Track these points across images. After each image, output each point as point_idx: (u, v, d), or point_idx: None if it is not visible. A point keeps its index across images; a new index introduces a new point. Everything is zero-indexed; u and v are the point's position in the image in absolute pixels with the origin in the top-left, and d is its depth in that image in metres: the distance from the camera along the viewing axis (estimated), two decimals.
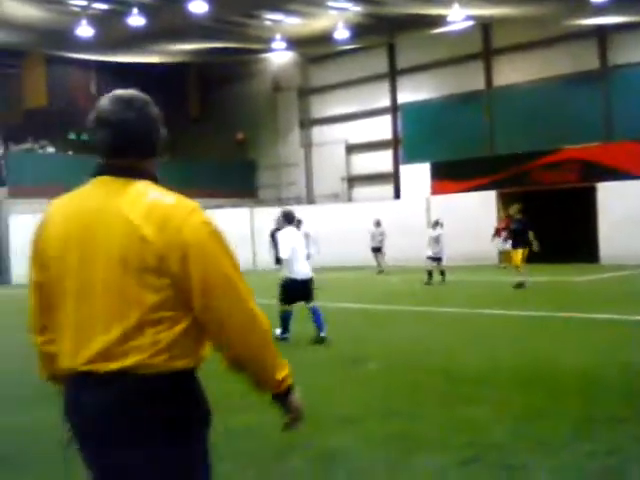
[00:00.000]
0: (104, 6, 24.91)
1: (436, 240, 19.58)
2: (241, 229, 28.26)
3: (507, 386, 7.22)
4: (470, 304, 14.48)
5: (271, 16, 26.75)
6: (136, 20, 23.62)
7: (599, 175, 24.68)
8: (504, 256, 23.74)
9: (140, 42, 26.41)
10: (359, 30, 26.92)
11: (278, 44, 29.05)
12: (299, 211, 11.69)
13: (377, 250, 24.85)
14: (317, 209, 29.90)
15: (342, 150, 33.36)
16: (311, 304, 10.43)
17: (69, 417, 2.33)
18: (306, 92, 34.57)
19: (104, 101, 2.36)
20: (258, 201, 34.54)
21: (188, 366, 2.26)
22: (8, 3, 21.93)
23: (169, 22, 24.46)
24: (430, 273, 19.26)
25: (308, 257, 11.82)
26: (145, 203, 2.23)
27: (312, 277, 10.65)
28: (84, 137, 31.65)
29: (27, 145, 31.78)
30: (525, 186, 26.15)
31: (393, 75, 31.88)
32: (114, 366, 2.18)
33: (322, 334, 10.26)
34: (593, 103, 26.31)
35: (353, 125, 32.86)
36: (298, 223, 11.58)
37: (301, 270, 10.42)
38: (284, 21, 26.98)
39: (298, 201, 32.46)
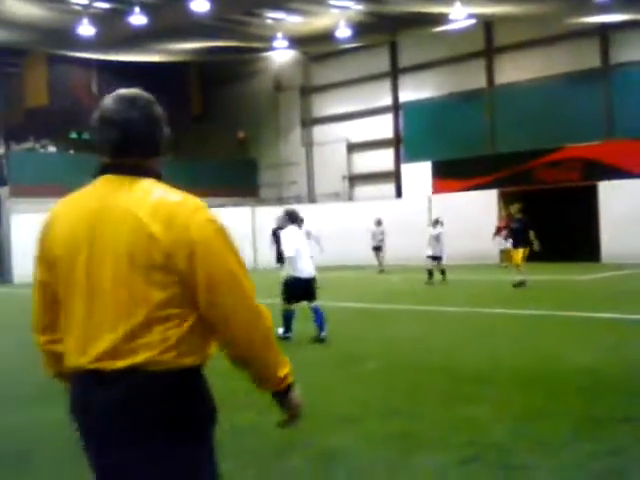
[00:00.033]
0: (106, 5, 24.91)
1: (436, 239, 19.56)
2: (242, 228, 28.25)
3: (508, 385, 7.22)
4: (471, 303, 14.48)
5: (273, 14, 26.74)
6: (138, 19, 23.61)
7: (601, 174, 24.67)
8: (505, 255, 23.73)
9: (142, 41, 26.41)
10: (361, 28, 26.90)
11: (280, 43, 29.04)
12: (300, 210, 11.68)
13: (377, 249, 24.86)
14: (318, 208, 29.89)
15: (343, 149, 33.35)
16: (313, 303, 10.43)
17: (75, 416, 2.33)
18: (308, 91, 34.56)
19: (108, 100, 2.37)
20: (259, 200, 34.55)
21: (195, 363, 2.26)
22: (10, 2, 21.94)
23: (171, 21, 24.47)
24: (430, 272, 19.25)
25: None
26: (151, 201, 2.24)
27: (315, 276, 10.65)
28: (85, 136, 31.69)
29: (28, 144, 31.82)
30: (526, 185, 26.15)
31: (395, 74, 31.86)
32: (121, 364, 2.18)
33: (322, 334, 10.25)
34: (595, 101, 26.28)
35: (354, 124, 32.85)
36: (300, 222, 11.58)
37: (305, 269, 10.41)
38: (286, 20, 26.97)
39: (299, 200, 32.45)
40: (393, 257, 25.26)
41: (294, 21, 26.98)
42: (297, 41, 29.03)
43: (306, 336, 10.39)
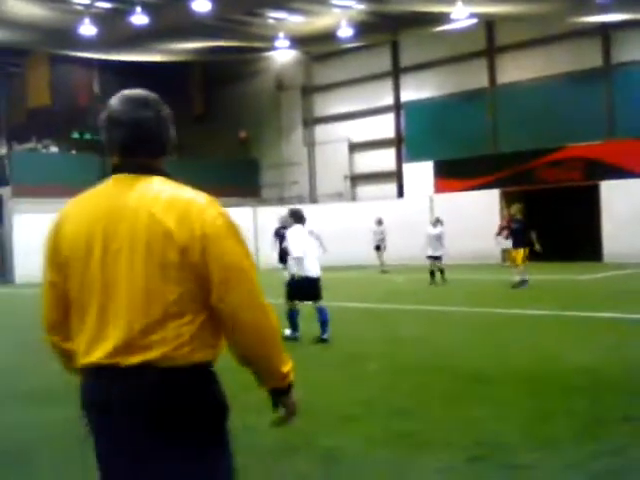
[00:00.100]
0: (107, 5, 24.94)
1: (437, 238, 19.50)
2: (244, 228, 28.23)
3: (510, 385, 7.21)
4: (473, 303, 14.48)
5: (274, 14, 26.75)
6: (139, 19, 23.61)
7: (602, 173, 24.67)
8: (507, 254, 23.73)
9: (143, 41, 26.42)
10: (362, 28, 26.90)
11: (281, 42, 29.04)
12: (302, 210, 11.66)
13: (378, 248, 24.87)
14: (320, 208, 29.86)
15: (345, 149, 33.34)
16: (318, 303, 10.43)
17: (87, 412, 2.34)
18: (309, 90, 34.56)
19: (115, 101, 2.39)
20: (261, 200, 34.55)
21: (206, 359, 2.28)
22: (11, 2, 21.95)
23: (172, 21, 24.47)
24: (432, 273, 19.21)
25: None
26: (165, 198, 2.27)
27: (320, 276, 10.63)
28: (87, 136, 31.73)
29: (30, 144, 31.85)
30: (528, 184, 26.15)
31: (396, 73, 31.85)
32: (135, 359, 2.20)
33: (325, 335, 10.23)
34: (596, 101, 26.26)
35: (356, 123, 32.84)
36: (304, 222, 11.57)
37: (311, 268, 10.40)
38: (287, 19, 26.98)
39: (301, 200, 32.43)
40: (395, 257, 25.26)
41: (296, 21, 27.00)
42: (299, 41, 29.03)
43: (309, 336, 10.39)
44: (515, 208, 18.45)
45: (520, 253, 17.46)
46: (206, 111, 36.46)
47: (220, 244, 2.25)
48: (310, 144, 34.64)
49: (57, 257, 2.38)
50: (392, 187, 31.65)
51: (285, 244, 11.66)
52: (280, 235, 16.50)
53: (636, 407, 6.23)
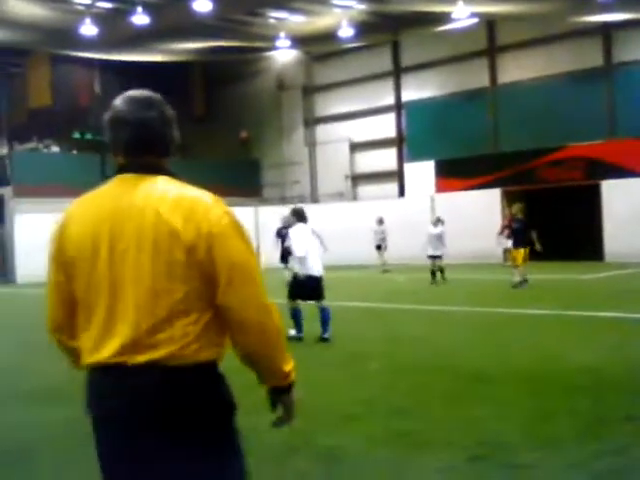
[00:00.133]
0: (108, 5, 24.95)
1: (438, 238, 19.50)
2: (245, 228, 28.24)
3: (511, 385, 7.21)
4: (474, 302, 14.48)
5: (275, 14, 26.76)
6: (140, 19, 23.62)
7: (603, 173, 24.66)
8: (508, 254, 23.71)
9: (144, 41, 26.43)
10: (363, 28, 26.90)
11: (282, 42, 29.04)
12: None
13: (379, 248, 24.87)
14: (321, 208, 29.88)
15: (346, 148, 33.35)
16: (321, 303, 10.42)
17: (93, 410, 2.34)
18: (310, 90, 34.56)
19: (120, 101, 2.40)
20: (262, 200, 34.55)
21: (212, 358, 2.29)
22: (12, 2, 21.96)
23: (173, 21, 24.48)
24: (433, 273, 19.21)
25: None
26: (171, 197, 2.28)
27: (323, 275, 10.62)
28: (88, 136, 31.70)
29: (31, 144, 31.86)
30: (529, 184, 26.14)
31: (397, 73, 31.85)
32: (142, 358, 2.20)
33: (325, 335, 10.24)
34: (597, 100, 26.25)
35: (357, 123, 32.84)
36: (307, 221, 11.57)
37: (314, 267, 10.40)
38: (288, 19, 26.98)
39: (302, 200, 32.40)
40: (396, 256, 25.25)
41: (297, 21, 27.00)
42: (300, 41, 29.03)
43: (311, 335, 10.38)
44: (516, 207, 18.43)
45: (520, 253, 17.45)
46: (207, 111, 36.46)
47: (226, 243, 2.26)
48: (311, 144, 34.64)
49: (62, 257, 2.38)
50: (393, 187, 31.65)
51: (287, 243, 11.67)
52: (282, 235, 16.51)
53: (639, 407, 6.22)
